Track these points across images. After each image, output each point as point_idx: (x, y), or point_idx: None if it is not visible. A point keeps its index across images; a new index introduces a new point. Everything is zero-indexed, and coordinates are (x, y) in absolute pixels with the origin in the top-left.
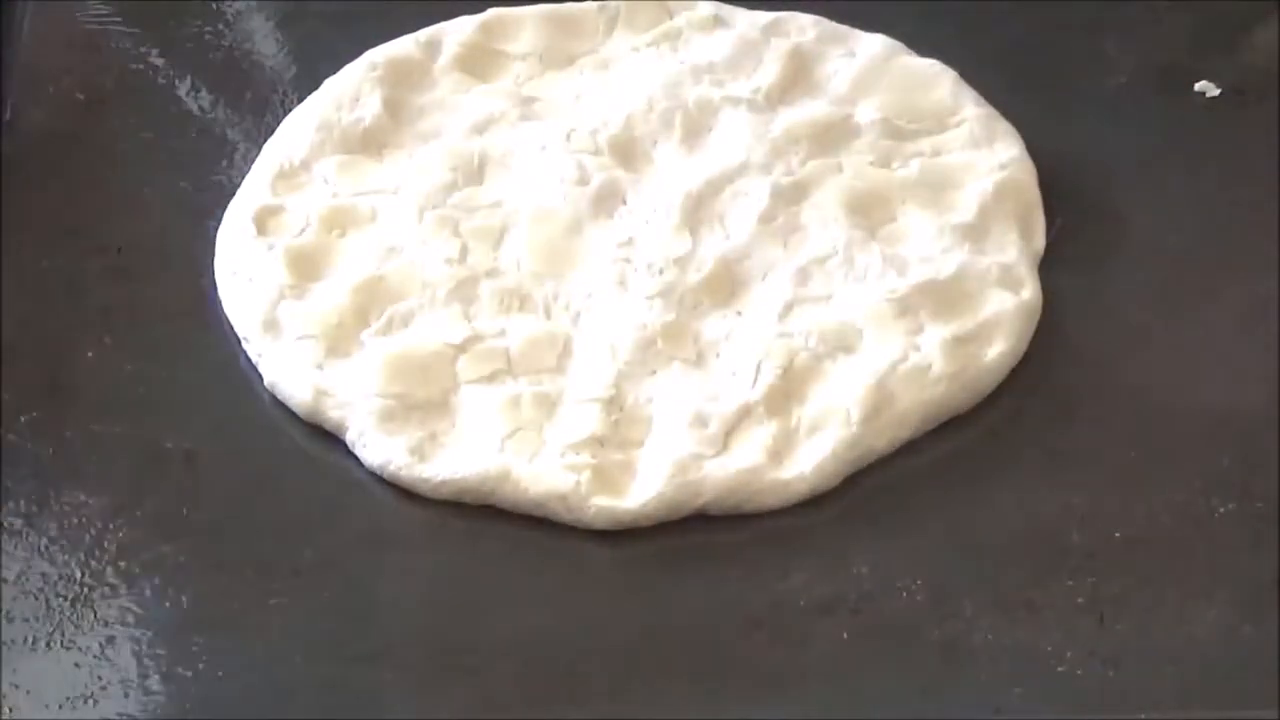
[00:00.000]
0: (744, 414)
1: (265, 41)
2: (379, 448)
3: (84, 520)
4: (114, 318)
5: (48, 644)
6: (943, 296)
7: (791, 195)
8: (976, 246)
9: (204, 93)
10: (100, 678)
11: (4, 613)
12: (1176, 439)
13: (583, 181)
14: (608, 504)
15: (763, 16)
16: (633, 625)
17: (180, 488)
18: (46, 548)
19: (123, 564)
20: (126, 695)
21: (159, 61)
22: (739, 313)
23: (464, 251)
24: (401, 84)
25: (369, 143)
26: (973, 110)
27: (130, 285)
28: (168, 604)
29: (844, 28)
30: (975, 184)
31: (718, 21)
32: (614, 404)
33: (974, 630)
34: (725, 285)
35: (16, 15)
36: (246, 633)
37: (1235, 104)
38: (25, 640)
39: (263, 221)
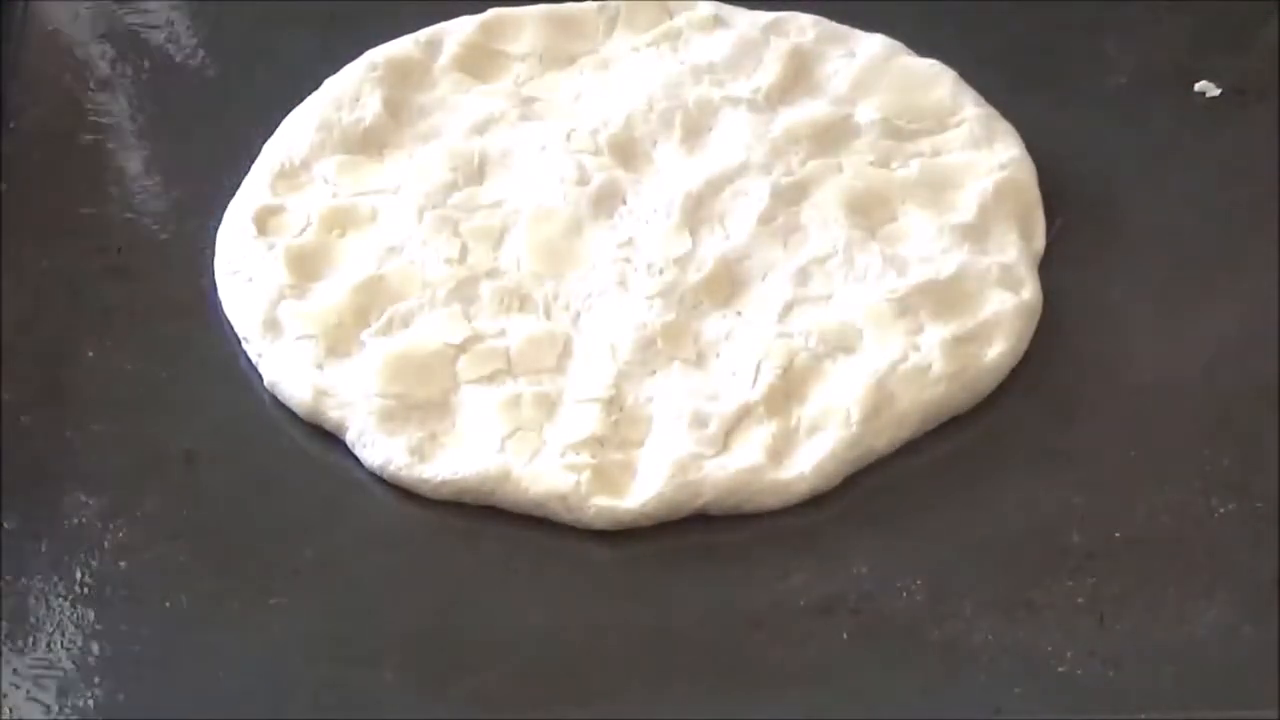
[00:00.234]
0: (744, 414)
1: (265, 41)
2: (379, 448)
3: (84, 520)
4: (114, 318)
5: (48, 644)
6: (943, 296)
7: (791, 195)
8: (976, 246)
9: (204, 92)
10: (100, 678)
11: (4, 613)
12: (1176, 439)
13: (583, 181)
14: (608, 504)
15: (763, 16)
16: (633, 625)
17: (180, 488)
18: (46, 548)
19: (123, 564)
20: (127, 695)
21: (159, 61)
22: (739, 313)
23: (464, 251)
24: (401, 84)
25: (369, 143)
26: (972, 110)
27: (130, 285)
28: (168, 604)
29: (844, 28)
30: (975, 184)
31: (718, 21)
32: (614, 404)
33: (974, 630)
34: (725, 285)
35: (16, 15)
36: (246, 633)
37: (1235, 104)
38: (25, 640)
39: (263, 221)
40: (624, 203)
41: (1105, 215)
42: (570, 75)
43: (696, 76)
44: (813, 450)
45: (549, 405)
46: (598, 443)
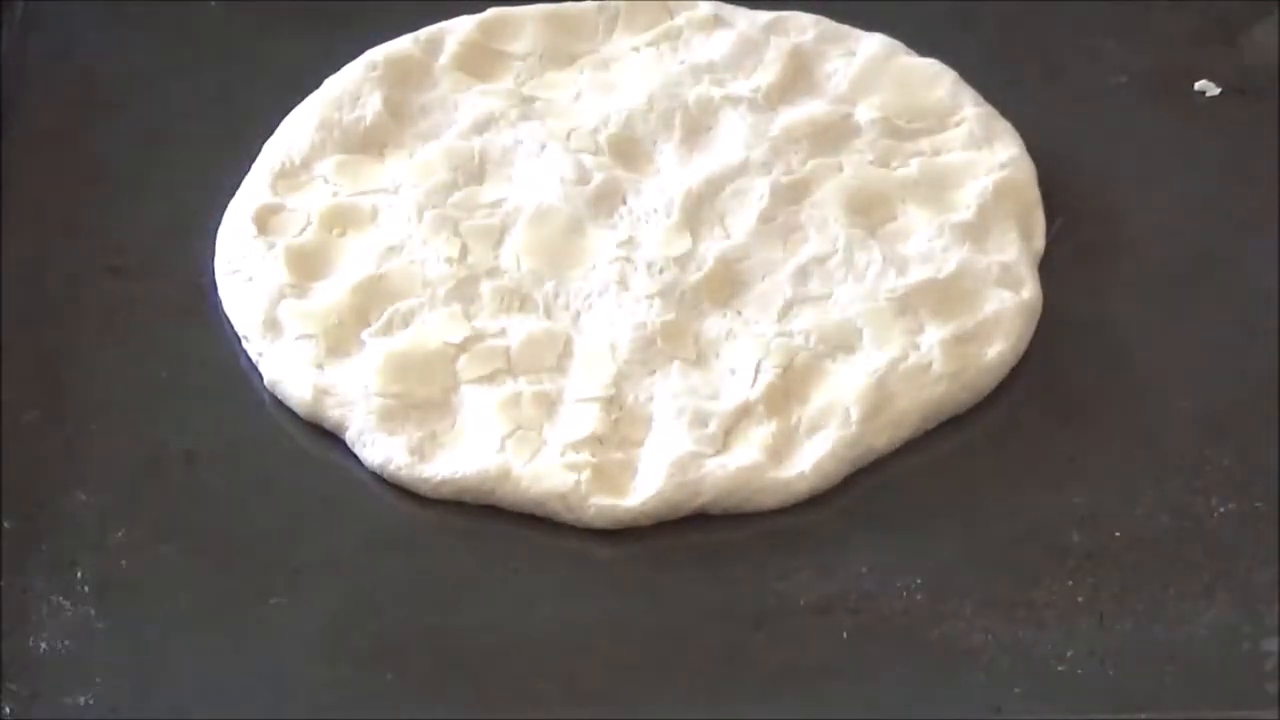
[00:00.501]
0: (744, 413)
1: (265, 41)
2: (379, 447)
3: (84, 520)
4: (114, 318)
5: (48, 644)
6: (943, 296)
7: (791, 195)
8: (976, 246)
9: (204, 92)
10: (100, 678)
11: (4, 613)
12: (1176, 439)
13: (583, 181)
14: (608, 503)
15: (763, 16)
16: (633, 625)
17: (180, 488)
18: (46, 548)
19: (123, 564)
20: (126, 695)
21: (159, 61)
22: (739, 312)
23: (464, 251)
24: (402, 83)
25: (369, 142)
26: (972, 110)
27: (130, 285)
28: (168, 604)
29: (844, 27)
30: (975, 183)
31: (718, 21)
32: (614, 403)
33: (974, 630)
34: (725, 285)
35: (16, 15)
36: (246, 633)
37: (1235, 104)
38: (25, 640)
39: (263, 221)
40: (624, 202)
41: (1105, 215)
42: (570, 75)
43: (696, 76)
44: (813, 449)
45: (549, 404)
46: (598, 442)
